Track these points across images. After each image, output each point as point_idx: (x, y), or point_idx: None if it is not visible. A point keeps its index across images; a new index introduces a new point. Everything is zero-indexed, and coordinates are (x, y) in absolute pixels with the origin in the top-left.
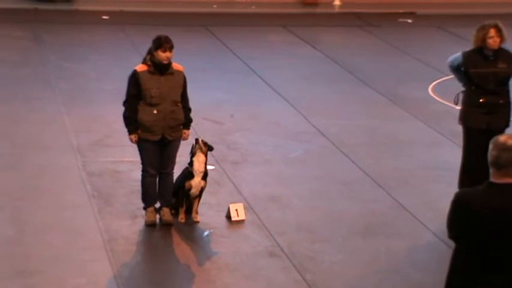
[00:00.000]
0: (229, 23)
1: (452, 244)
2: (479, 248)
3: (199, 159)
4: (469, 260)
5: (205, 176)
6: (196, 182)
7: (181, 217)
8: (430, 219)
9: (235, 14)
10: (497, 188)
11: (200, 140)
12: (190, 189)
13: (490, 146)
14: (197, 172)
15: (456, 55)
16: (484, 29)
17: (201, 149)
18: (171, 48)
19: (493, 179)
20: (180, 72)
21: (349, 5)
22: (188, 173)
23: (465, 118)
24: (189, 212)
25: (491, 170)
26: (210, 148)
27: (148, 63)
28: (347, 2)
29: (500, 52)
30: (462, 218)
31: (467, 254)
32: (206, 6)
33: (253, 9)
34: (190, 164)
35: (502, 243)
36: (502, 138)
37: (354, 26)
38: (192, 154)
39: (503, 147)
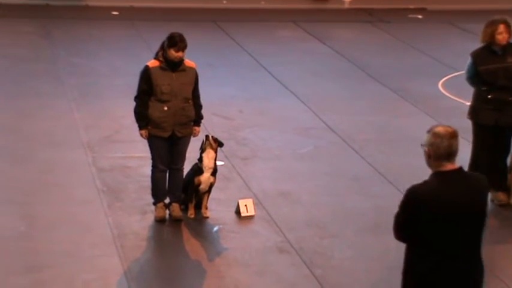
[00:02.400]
0: (239, 18)
1: None
2: (437, 240)
3: (208, 155)
4: (426, 254)
5: (214, 172)
6: (205, 177)
7: (191, 213)
8: None
9: (245, 10)
10: (450, 175)
11: (210, 136)
12: (199, 184)
13: (432, 139)
14: (206, 168)
15: (468, 65)
16: (493, 25)
17: (211, 145)
18: (184, 48)
19: (440, 168)
20: (192, 69)
21: (359, 1)
22: (197, 169)
23: (474, 114)
24: (198, 207)
25: (439, 162)
26: (220, 144)
27: (161, 59)
28: None
29: (508, 47)
30: (417, 214)
31: (423, 248)
32: (216, 1)
33: (263, 5)
34: (200, 160)
35: (458, 230)
36: (440, 128)
37: (364, 22)
38: (202, 150)
39: (451, 135)
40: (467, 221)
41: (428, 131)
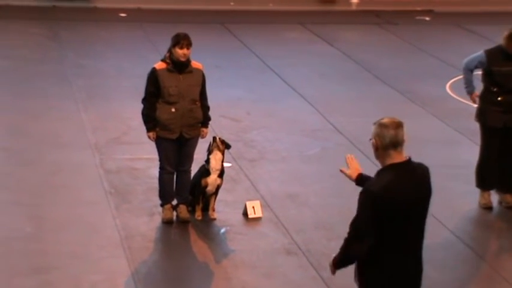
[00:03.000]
0: (246, 20)
1: (470, 243)
2: (395, 234)
3: (216, 157)
4: (385, 249)
5: (221, 174)
6: (212, 179)
7: (198, 214)
8: (447, 217)
9: (252, 11)
10: (401, 168)
11: (218, 138)
12: (206, 186)
13: (378, 130)
14: (213, 170)
15: (474, 56)
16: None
17: (218, 147)
18: (188, 45)
19: (391, 161)
20: (199, 71)
21: (367, 3)
22: (204, 171)
23: (482, 116)
24: (205, 209)
25: (386, 152)
26: (228, 146)
27: (168, 61)
28: (364, 0)
29: None
30: (378, 212)
31: (382, 244)
32: (223, 3)
33: (270, 7)
34: (207, 161)
35: (412, 223)
36: (386, 119)
37: (371, 24)
38: (209, 152)
39: (397, 125)
40: (419, 213)
41: (375, 123)
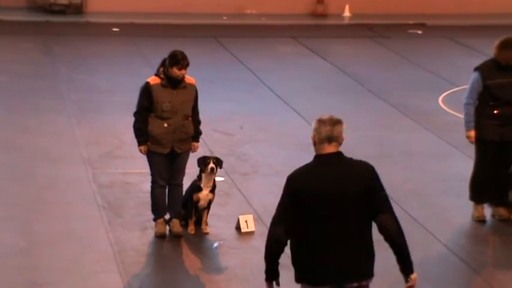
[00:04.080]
0: (239, 34)
1: (463, 256)
2: (313, 226)
3: (208, 175)
4: (305, 241)
5: (213, 189)
6: (204, 194)
7: (191, 228)
8: (440, 230)
9: (245, 26)
10: (324, 158)
11: (211, 159)
12: (198, 201)
13: (317, 125)
14: (205, 186)
15: (470, 85)
16: (501, 45)
17: (208, 163)
18: (186, 66)
19: (319, 152)
20: (192, 86)
21: (359, 16)
22: (196, 186)
23: (478, 130)
24: (198, 223)
25: (320, 146)
26: (220, 164)
27: (162, 76)
28: (357, 13)
29: None
30: (292, 196)
31: (304, 236)
32: (216, 17)
33: (263, 21)
34: (199, 177)
35: (337, 217)
36: (325, 116)
37: (364, 37)
38: (201, 169)
39: (334, 122)
40: (340, 209)
41: (315, 120)
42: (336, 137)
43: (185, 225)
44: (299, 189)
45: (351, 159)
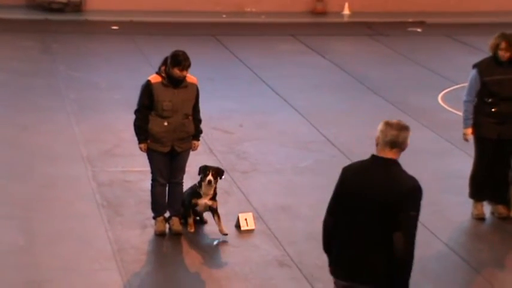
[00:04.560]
0: (238, 32)
1: (463, 254)
2: (342, 217)
3: (207, 186)
4: (338, 228)
5: (214, 197)
6: (202, 202)
7: (191, 226)
8: (439, 228)
9: (244, 24)
10: (378, 161)
11: (210, 171)
12: (196, 205)
13: (383, 127)
14: (204, 195)
15: (469, 83)
16: (498, 38)
17: (208, 171)
18: (188, 66)
19: (379, 153)
20: (193, 85)
21: (358, 14)
22: (196, 192)
23: (476, 128)
24: (201, 221)
25: (381, 148)
26: (220, 175)
27: (163, 74)
28: (356, 11)
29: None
30: (338, 189)
31: (336, 227)
32: (215, 16)
33: (262, 19)
34: (199, 185)
35: (359, 215)
36: (393, 120)
37: (363, 35)
38: (201, 178)
39: (401, 127)
40: (361, 209)
41: (382, 122)
42: (400, 143)
43: (185, 224)
44: (342, 181)
45: (400, 171)
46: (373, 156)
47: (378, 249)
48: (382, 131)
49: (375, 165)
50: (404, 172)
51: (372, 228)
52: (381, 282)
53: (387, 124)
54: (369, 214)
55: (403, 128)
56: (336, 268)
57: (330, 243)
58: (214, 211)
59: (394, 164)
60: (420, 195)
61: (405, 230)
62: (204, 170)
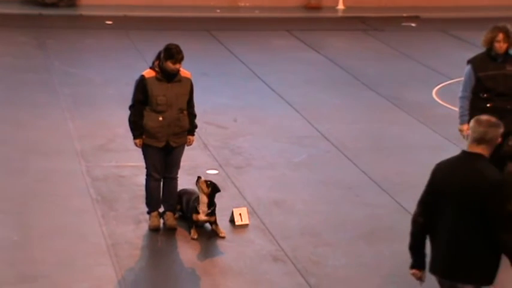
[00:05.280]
0: (233, 27)
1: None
2: (435, 213)
3: (202, 200)
4: (428, 223)
5: (212, 212)
6: (201, 217)
7: (193, 234)
8: None
9: (239, 19)
10: (467, 156)
11: (202, 179)
12: (197, 221)
13: (473, 123)
14: (201, 210)
15: (464, 78)
16: (493, 31)
17: (201, 189)
18: (181, 60)
19: (468, 148)
20: (187, 79)
21: (353, 9)
22: (194, 208)
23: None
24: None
25: (470, 144)
26: (216, 189)
27: (157, 69)
28: (350, 6)
29: (508, 56)
30: (430, 184)
31: (431, 223)
32: (209, 10)
33: (256, 14)
34: (197, 200)
35: (453, 209)
36: (484, 117)
37: (358, 30)
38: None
39: (490, 124)
40: (456, 204)
41: (474, 118)
42: (487, 140)
43: (179, 218)
44: (434, 176)
45: (486, 165)
46: (463, 151)
47: (467, 247)
48: (471, 128)
49: (462, 159)
50: (490, 166)
51: (463, 226)
52: (469, 280)
53: (476, 121)
54: (460, 211)
55: (492, 125)
56: (432, 263)
57: (418, 237)
58: (212, 223)
59: (480, 157)
60: (506, 190)
61: (505, 228)
62: (197, 183)
